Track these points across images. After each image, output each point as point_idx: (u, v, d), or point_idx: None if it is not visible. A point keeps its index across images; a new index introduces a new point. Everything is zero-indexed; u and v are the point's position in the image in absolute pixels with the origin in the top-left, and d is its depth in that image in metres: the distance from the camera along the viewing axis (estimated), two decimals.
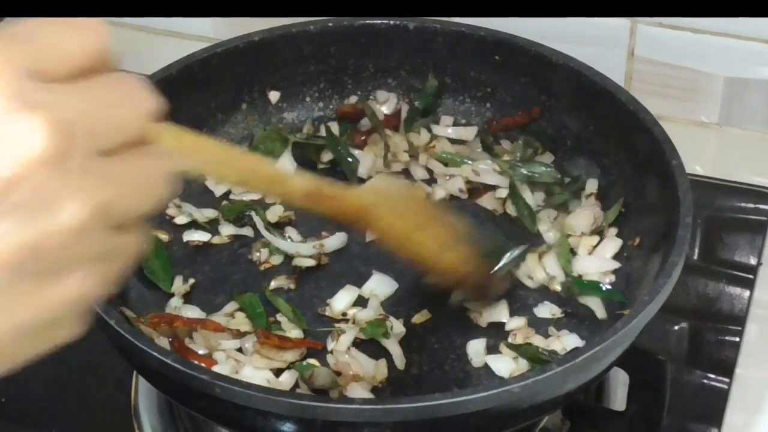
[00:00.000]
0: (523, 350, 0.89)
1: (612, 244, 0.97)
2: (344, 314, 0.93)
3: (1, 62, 0.49)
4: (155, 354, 0.79)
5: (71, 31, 0.52)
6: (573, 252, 0.97)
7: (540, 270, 0.95)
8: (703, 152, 1.19)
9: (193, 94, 1.04)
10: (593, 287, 0.94)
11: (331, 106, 1.10)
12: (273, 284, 0.95)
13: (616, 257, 0.96)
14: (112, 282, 0.52)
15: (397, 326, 0.92)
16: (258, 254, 0.98)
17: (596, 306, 0.93)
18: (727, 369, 1.00)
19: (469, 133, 1.07)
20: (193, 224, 1.00)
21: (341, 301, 0.94)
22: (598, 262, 0.96)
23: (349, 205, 0.80)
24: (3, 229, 0.47)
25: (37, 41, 0.50)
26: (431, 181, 1.05)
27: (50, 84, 0.49)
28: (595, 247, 0.97)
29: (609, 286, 0.94)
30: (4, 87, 0.48)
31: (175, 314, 0.92)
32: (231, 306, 0.93)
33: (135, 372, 0.97)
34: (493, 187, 1.03)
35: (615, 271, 0.95)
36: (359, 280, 0.96)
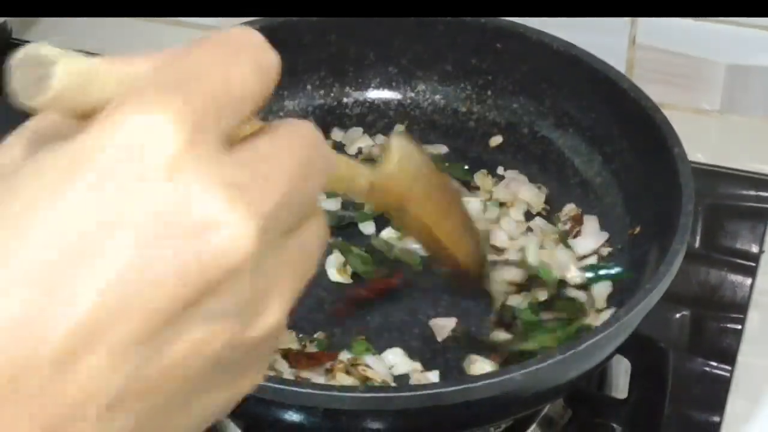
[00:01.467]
0: None
1: (592, 220, 0.98)
2: None
3: (196, 125, 0.39)
4: None
5: (245, 62, 0.42)
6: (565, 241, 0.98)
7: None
8: (705, 140, 1.19)
9: None
10: (605, 275, 0.95)
11: (332, 95, 1.10)
12: None
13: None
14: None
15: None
16: None
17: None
18: (729, 357, 1.00)
19: None
20: None
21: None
22: (593, 237, 0.96)
23: (393, 195, 0.75)
24: (200, 337, 0.40)
25: (218, 83, 0.41)
26: None
27: (242, 151, 0.41)
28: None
29: (619, 268, 0.95)
30: (213, 167, 0.39)
31: None
32: None
33: None
34: None
35: (613, 256, 0.96)
36: None
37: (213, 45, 0.42)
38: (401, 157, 0.79)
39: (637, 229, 0.95)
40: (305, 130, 0.44)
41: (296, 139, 0.43)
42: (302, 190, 0.42)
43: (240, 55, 0.42)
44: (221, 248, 0.39)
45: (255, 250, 0.40)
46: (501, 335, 0.91)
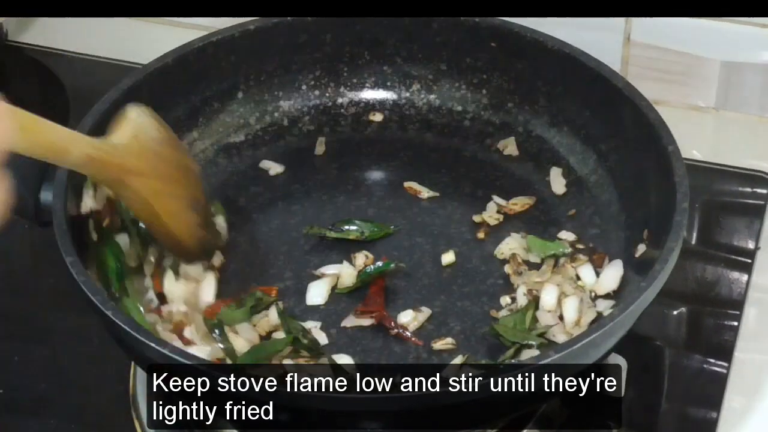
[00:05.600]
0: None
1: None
2: None
3: None
4: (153, 345, 0.79)
5: None
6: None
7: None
8: (700, 137, 1.19)
9: (188, 83, 1.04)
10: None
11: (327, 94, 1.10)
12: None
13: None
14: None
15: None
16: None
17: None
18: (726, 353, 1.00)
19: None
20: None
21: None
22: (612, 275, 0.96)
23: (113, 169, 0.79)
24: None
25: None
26: None
27: None
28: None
29: None
30: None
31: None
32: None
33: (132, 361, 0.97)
34: None
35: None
36: None
37: None
38: (135, 129, 0.79)
39: (646, 233, 0.95)
40: None
41: None
42: None
43: None
44: None
45: None
46: None
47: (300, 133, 1.08)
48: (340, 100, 1.10)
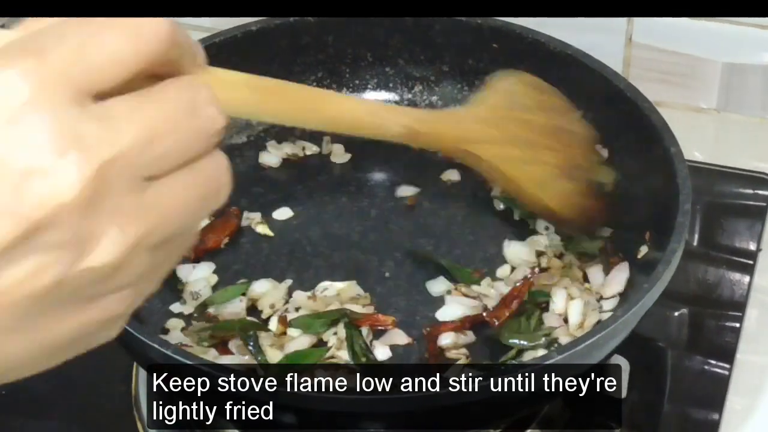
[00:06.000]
0: None
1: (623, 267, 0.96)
2: None
3: (44, 81, 0.45)
4: (157, 347, 0.79)
5: (120, 32, 0.47)
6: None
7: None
8: (702, 138, 1.19)
9: None
10: None
11: None
12: None
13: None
14: (150, 292, 0.51)
15: None
16: None
17: None
18: (728, 355, 1.00)
19: None
20: None
21: None
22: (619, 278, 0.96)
23: (447, 139, 0.76)
24: (33, 268, 0.46)
25: (78, 46, 0.46)
26: None
27: (103, 105, 0.46)
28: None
29: None
30: (51, 118, 0.45)
31: None
32: None
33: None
34: None
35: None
36: None
37: (90, 20, 0.47)
38: (496, 98, 0.76)
39: (648, 235, 0.95)
40: (185, 82, 0.49)
41: (172, 91, 0.48)
42: (172, 134, 0.48)
43: (114, 26, 0.47)
44: (43, 193, 0.44)
45: (80, 195, 0.45)
46: None
47: (302, 134, 1.08)
48: None
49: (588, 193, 0.89)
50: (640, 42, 1.19)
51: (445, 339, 0.91)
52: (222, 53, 1.04)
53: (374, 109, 0.74)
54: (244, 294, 0.95)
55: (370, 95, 1.09)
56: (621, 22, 1.18)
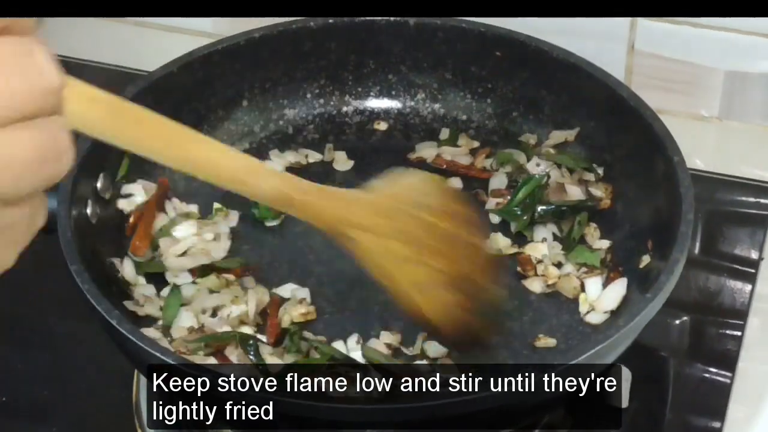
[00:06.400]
0: None
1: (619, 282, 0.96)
2: None
3: None
4: (156, 353, 0.79)
5: None
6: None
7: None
8: (704, 146, 1.19)
9: (193, 91, 1.04)
10: None
11: (331, 103, 1.10)
12: None
13: None
14: (11, 257, 0.52)
15: None
16: None
17: None
18: (729, 363, 1.00)
19: None
20: None
21: None
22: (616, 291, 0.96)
23: (326, 216, 0.76)
24: None
25: None
26: None
27: None
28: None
29: None
30: None
31: None
32: None
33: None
34: None
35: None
36: None
37: None
38: (400, 188, 0.76)
39: (650, 244, 0.95)
40: (17, 38, 0.49)
41: (4, 44, 0.48)
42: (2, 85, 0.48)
43: None
44: None
45: None
46: None
47: (305, 142, 1.08)
48: (344, 109, 1.10)
49: (473, 310, 0.85)
50: (642, 50, 1.19)
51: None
52: (225, 60, 1.04)
53: (249, 166, 0.72)
54: (183, 304, 0.95)
55: (373, 102, 1.10)
56: (623, 30, 1.18)
